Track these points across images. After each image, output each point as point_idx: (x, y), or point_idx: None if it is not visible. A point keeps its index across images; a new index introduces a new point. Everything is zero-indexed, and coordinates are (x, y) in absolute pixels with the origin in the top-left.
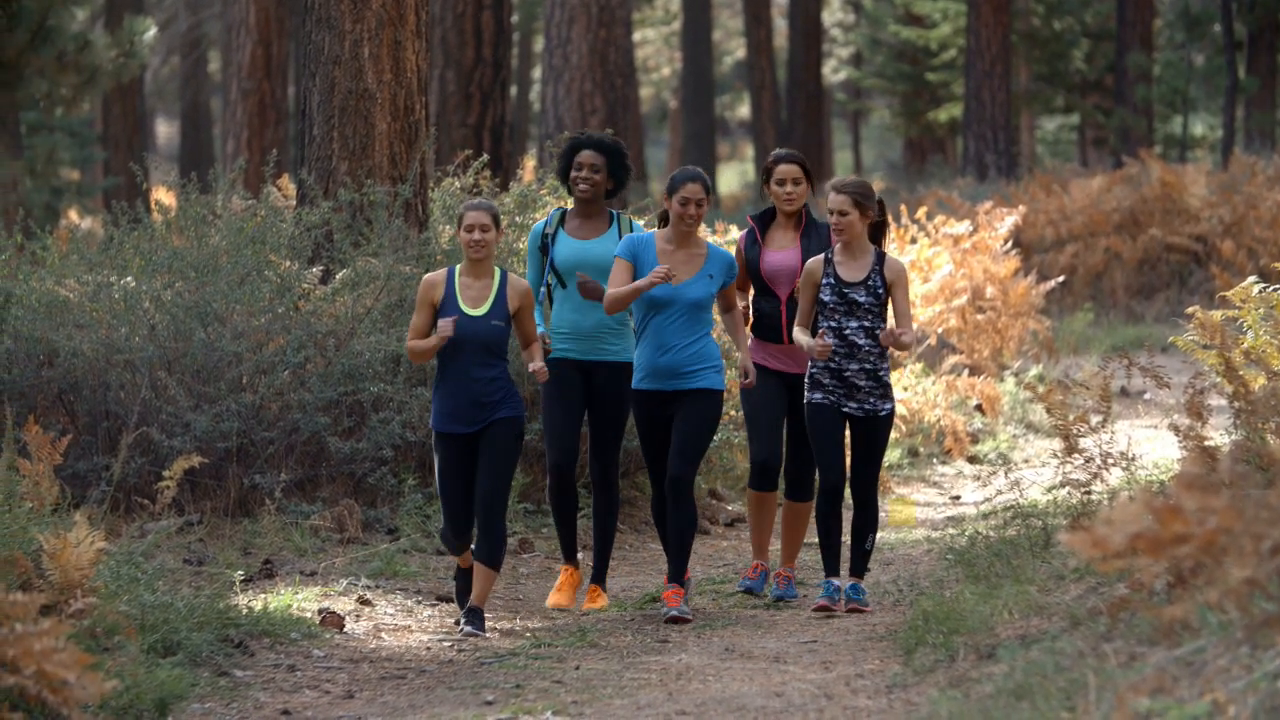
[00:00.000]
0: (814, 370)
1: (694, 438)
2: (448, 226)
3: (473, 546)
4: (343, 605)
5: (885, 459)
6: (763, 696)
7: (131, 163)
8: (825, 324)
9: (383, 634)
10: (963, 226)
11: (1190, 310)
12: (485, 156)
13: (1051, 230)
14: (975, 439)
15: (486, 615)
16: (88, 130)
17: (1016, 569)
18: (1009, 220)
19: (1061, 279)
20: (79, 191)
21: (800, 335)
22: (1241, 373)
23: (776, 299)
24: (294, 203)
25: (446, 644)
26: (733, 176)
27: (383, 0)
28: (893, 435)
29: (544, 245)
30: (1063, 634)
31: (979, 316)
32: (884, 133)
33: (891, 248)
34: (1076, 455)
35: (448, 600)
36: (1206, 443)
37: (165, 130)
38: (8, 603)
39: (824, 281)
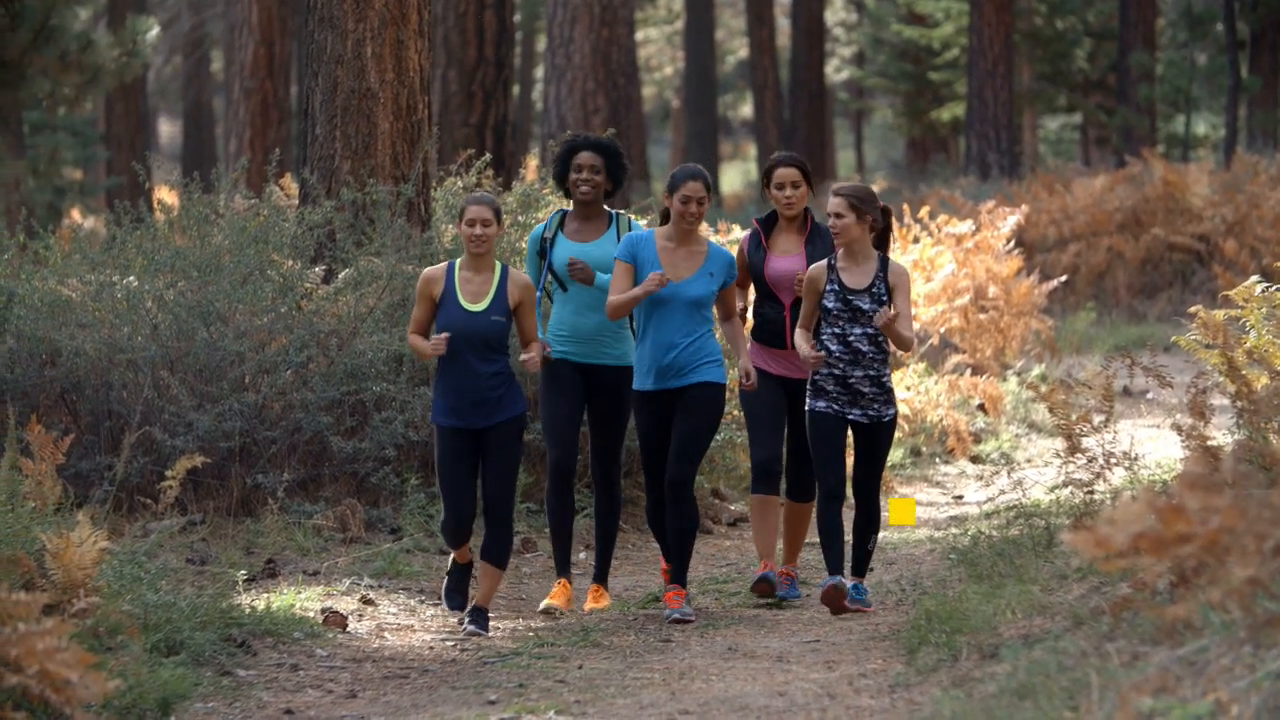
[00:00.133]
0: (818, 376)
1: (694, 437)
2: (450, 226)
3: (471, 545)
4: (345, 605)
5: (888, 459)
6: (766, 696)
7: (134, 162)
8: (829, 330)
9: (386, 633)
10: (965, 226)
11: (1193, 310)
12: (488, 156)
13: (1054, 230)
14: (978, 438)
15: (489, 615)
16: (90, 130)
17: (1019, 568)
18: (1011, 220)
19: (1064, 278)
20: (82, 191)
21: (800, 340)
22: (1244, 372)
23: (780, 304)
24: (296, 202)
25: (449, 643)
26: (735, 176)
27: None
28: (895, 435)
29: (543, 249)
30: (1066, 633)
31: (981, 316)
32: (886, 132)
33: (894, 248)
34: (1079, 455)
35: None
36: (1209, 442)
37: (168, 130)
38: (11, 602)
39: (828, 289)
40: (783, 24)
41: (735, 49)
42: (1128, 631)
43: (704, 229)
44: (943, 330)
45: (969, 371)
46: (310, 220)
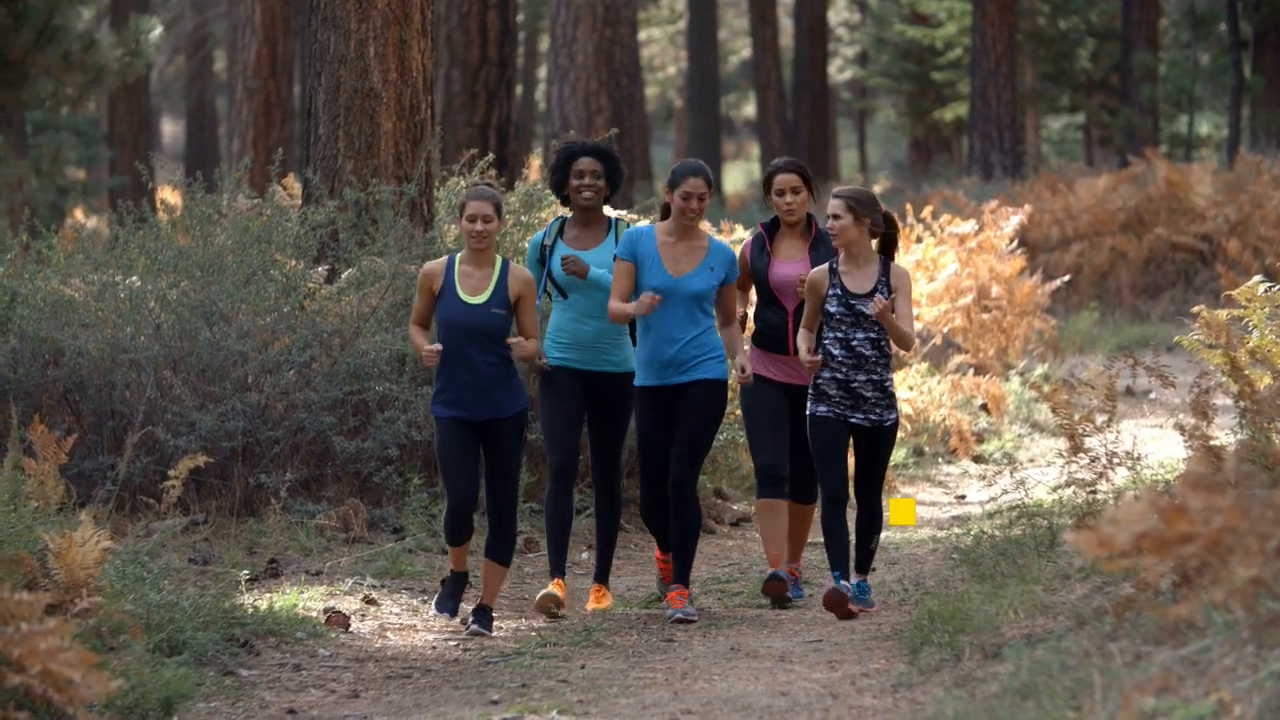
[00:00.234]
0: (820, 380)
1: (697, 436)
2: (453, 226)
3: (471, 547)
4: (348, 604)
5: (891, 459)
6: (768, 695)
7: (137, 162)
8: (831, 334)
9: (388, 633)
10: (968, 226)
11: (1195, 309)
12: (491, 156)
13: (1057, 229)
14: (980, 438)
15: (493, 615)
16: (93, 129)
17: (1022, 568)
18: (1014, 219)
19: (1067, 278)
20: (84, 191)
21: (801, 341)
22: (1247, 372)
23: (783, 310)
24: (299, 202)
25: (452, 643)
26: (738, 176)
27: None
28: (898, 434)
29: (542, 256)
30: (1068, 633)
31: (984, 316)
32: (889, 132)
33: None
34: (1082, 454)
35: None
36: (1212, 442)
37: (171, 129)
38: (13, 602)
39: (830, 293)
40: (786, 24)
41: (738, 49)
42: (1130, 631)
43: (706, 228)
44: (946, 330)
45: (972, 371)
46: (313, 220)
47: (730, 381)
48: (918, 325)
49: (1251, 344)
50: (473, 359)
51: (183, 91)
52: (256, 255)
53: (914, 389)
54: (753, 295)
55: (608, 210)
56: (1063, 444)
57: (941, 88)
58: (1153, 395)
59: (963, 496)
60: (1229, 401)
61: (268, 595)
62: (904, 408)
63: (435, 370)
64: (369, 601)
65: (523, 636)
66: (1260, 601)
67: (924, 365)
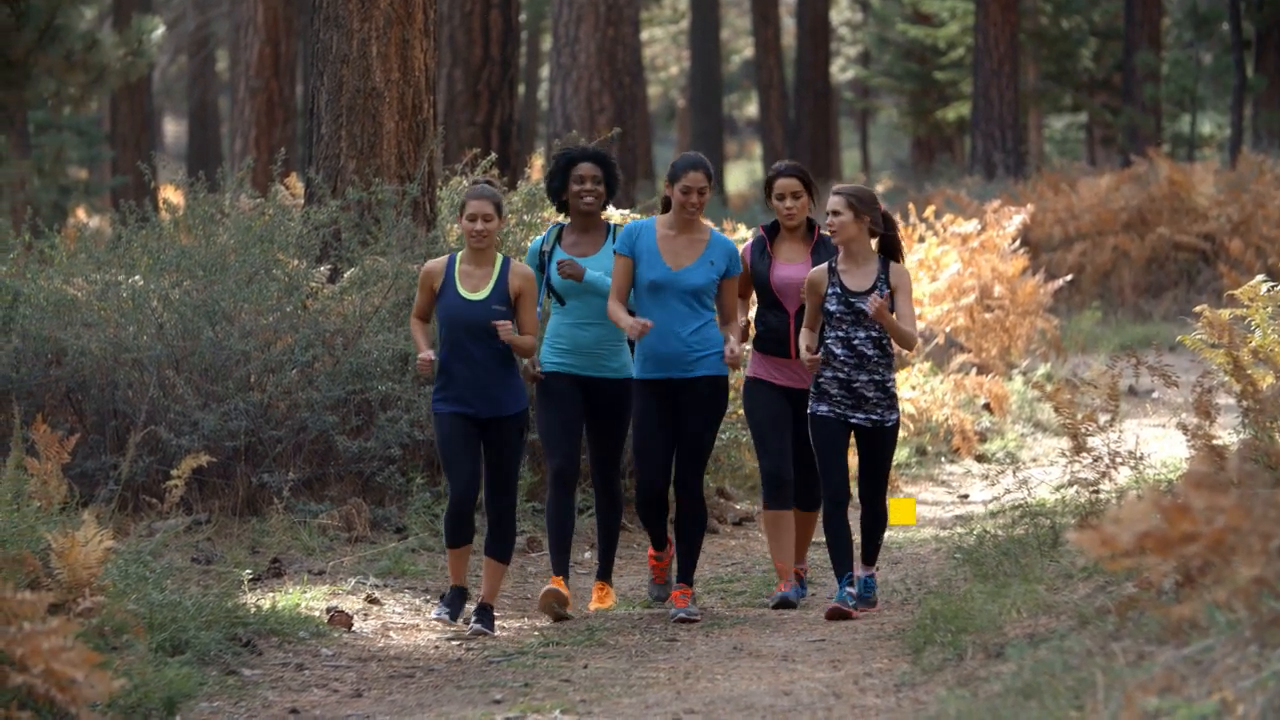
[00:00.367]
0: (821, 379)
1: (700, 436)
2: (456, 225)
3: (472, 549)
4: (351, 604)
5: (894, 458)
6: (771, 695)
7: (139, 161)
8: (833, 334)
9: (391, 633)
10: (971, 225)
11: (1198, 309)
12: (493, 155)
13: (1059, 229)
14: (983, 438)
15: (495, 614)
16: (96, 129)
17: (1025, 568)
18: (1017, 219)
19: (1069, 278)
20: (87, 190)
21: (803, 341)
22: (1249, 371)
23: (785, 313)
24: (302, 201)
25: (455, 643)
26: (741, 175)
27: None
28: (901, 434)
29: (541, 263)
30: (1071, 633)
31: (987, 315)
32: (892, 131)
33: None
34: (1084, 454)
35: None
36: (1215, 441)
37: (173, 129)
38: (16, 601)
39: (830, 292)
40: (788, 23)
41: (740, 48)
42: (1133, 631)
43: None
44: (948, 329)
45: (974, 371)
46: (315, 219)
47: (733, 381)
48: (920, 325)
49: (1254, 343)
50: (474, 355)
51: (185, 91)
52: (259, 255)
53: (916, 388)
54: (752, 299)
55: (613, 213)
56: (1065, 443)
57: (944, 87)
58: (1155, 395)
59: (965, 496)
60: (1231, 401)
61: (270, 595)
62: (907, 407)
63: (436, 368)
64: (372, 601)
65: (525, 636)
66: (1263, 601)
67: (927, 365)
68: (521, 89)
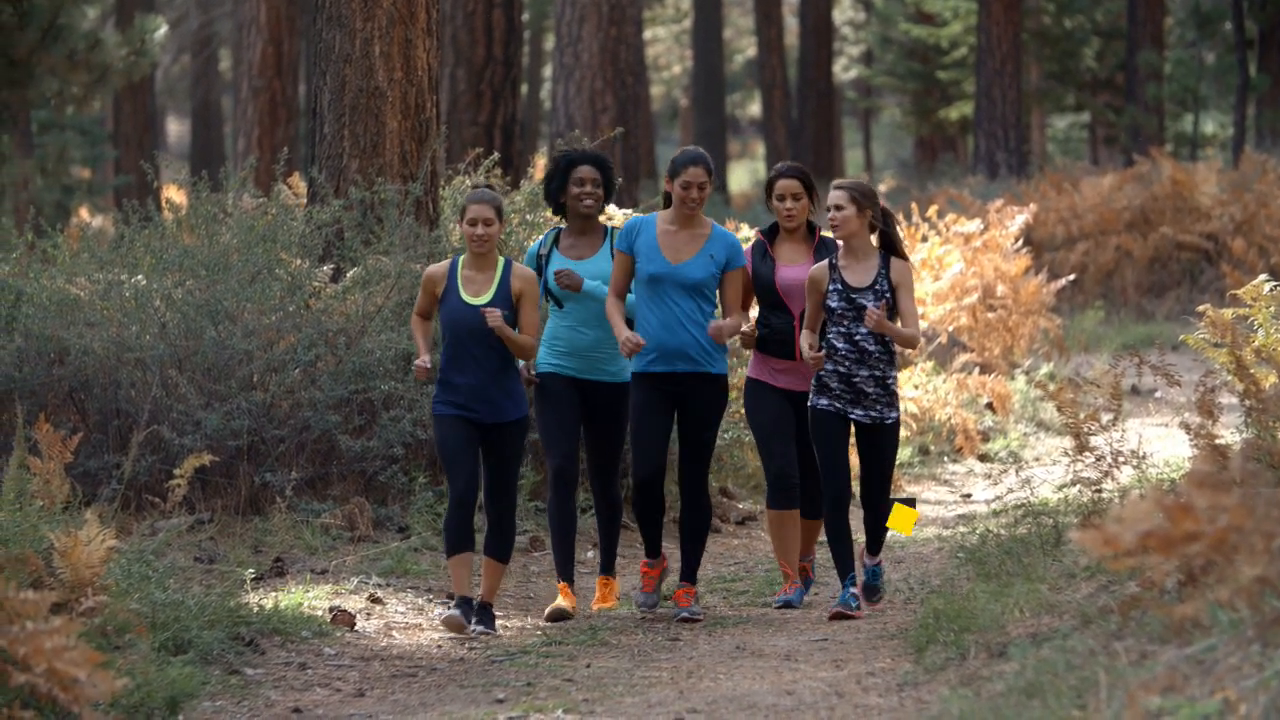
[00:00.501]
0: (822, 374)
1: (702, 434)
2: (458, 225)
3: (473, 554)
4: (354, 603)
5: (897, 457)
6: (774, 694)
7: (142, 161)
8: (834, 330)
9: (394, 632)
10: (973, 225)
11: (1201, 308)
12: (496, 155)
13: (1062, 228)
14: (986, 437)
15: (498, 614)
16: (98, 129)
17: (1027, 567)
18: (1020, 218)
19: (1072, 277)
20: (90, 190)
21: (804, 341)
22: (1252, 371)
23: (789, 315)
24: (305, 201)
25: (457, 642)
26: (743, 175)
27: None
28: (904, 434)
29: (539, 266)
30: (1074, 632)
31: (990, 315)
32: (895, 131)
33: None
34: (1087, 453)
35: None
36: (1217, 441)
37: (176, 128)
38: (19, 601)
39: (830, 288)
40: (791, 23)
41: (743, 48)
42: (1136, 630)
43: None
44: (951, 329)
45: (977, 370)
46: (318, 219)
47: (734, 380)
48: (923, 324)
49: (1257, 343)
50: (476, 360)
51: (188, 91)
52: (262, 254)
53: (919, 387)
54: (754, 305)
55: (615, 213)
56: (1068, 443)
57: (946, 87)
58: (1158, 394)
59: (968, 495)
60: (1234, 400)
61: (273, 594)
62: (909, 406)
63: (439, 370)
64: (374, 600)
65: (528, 635)
66: (1266, 600)
67: (929, 364)
68: (524, 88)
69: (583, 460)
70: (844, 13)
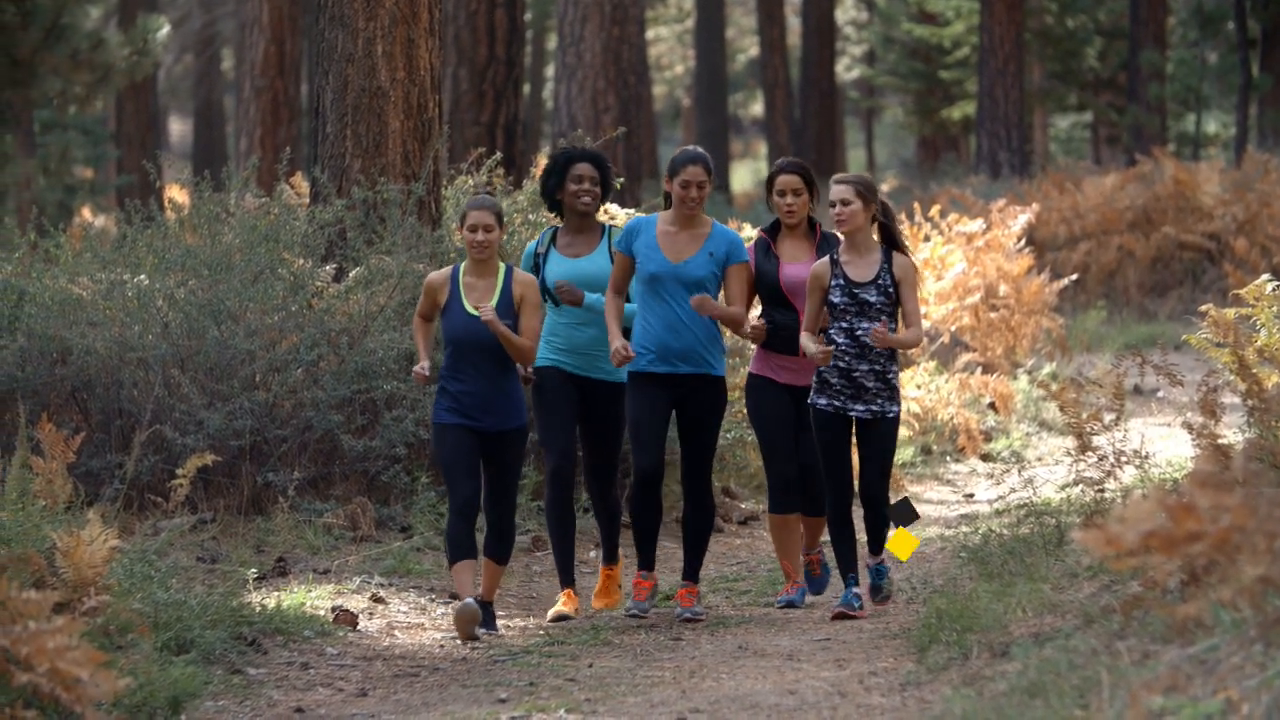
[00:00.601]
0: (822, 369)
1: (704, 435)
2: (458, 231)
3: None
4: (356, 603)
5: (899, 457)
6: (776, 694)
7: (145, 161)
8: (836, 325)
9: (396, 632)
10: (976, 224)
11: (1203, 308)
12: (498, 155)
13: (1065, 228)
14: (988, 437)
15: (500, 614)
16: (101, 128)
17: (1030, 567)
18: (1022, 218)
19: (1075, 277)
20: (92, 189)
21: (806, 341)
22: (1255, 371)
23: (793, 311)
24: (307, 200)
25: (460, 641)
26: (746, 174)
27: None
28: (906, 433)
29: (536, 265)
30: (1076, 632)
31: (992, 314)
32: (897, 130)
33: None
34: (1090, 453)
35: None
36: (1220, 441)
37: (178, 128)
38: (21, 600)
39: (833, 283)
40: (793, 23)
41: (746, 47)
42: (1138, 630)
43: None
44: (953, 328)
45: (980, 370)
46: (321, 219)
47: (736, 380)
48: (925, 324)
49: (1259, 342)
50: (480, 370)
51: (190, 90)
52: (264, 254)
53: (922, 387)
54: (756, 303)
55: (618, 213)
56: (1070, 442)
57: (949, 86)
58: (1160, 394)
59: (970, 495)
60: (1236, 400)
61: (275, 594)
62: (911, 406)
63: (440, 377)
64: (377, 600)
65: (531, 635)
66: (1268, 600)
67: (932, 364)
68: (526, 88)
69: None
70: (846, 12)
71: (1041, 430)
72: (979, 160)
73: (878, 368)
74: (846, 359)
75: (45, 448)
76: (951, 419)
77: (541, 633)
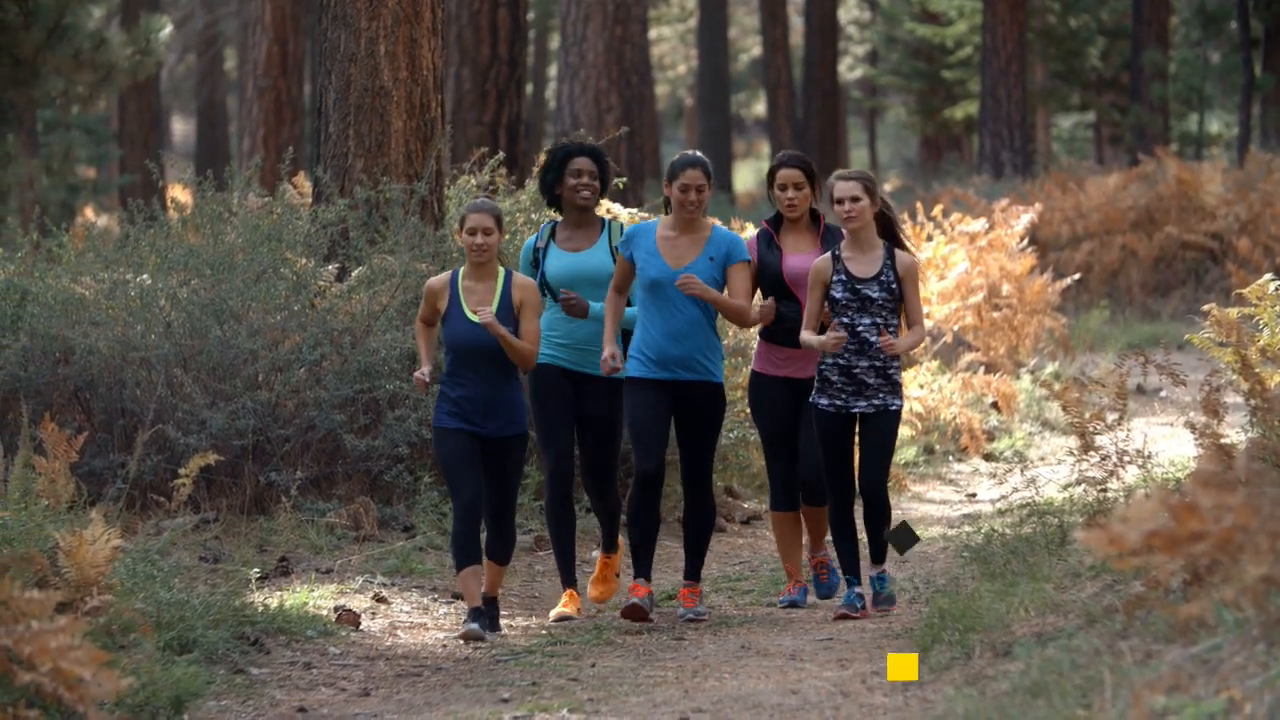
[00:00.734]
0: (823, 367)
1: (704, 441)
2: (458, 235)
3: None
4: (359, 603)
5: (901, 456)
6: (779, 694)
7: (147, 160)
8: (836, 320)
9: (399, 631)
10: (979, 224)
11: (1206, 308)
12: (501, 154)
13: (1067, 228)
14: (991, 436)
15: (503, 614)
16: (104, 128)
17: (1032, 567)
18: (1025, 218)
19: (1077, 276)
20: (95, 189)
21: (809, 336)
22: (1257, 370)
23: (796, 303)
24: (310, 200)
25: (462, 641)
26: (749, 174)
27: None
28: (909, 433)
29: (536, 260)
30: (1079, 631)
31: (995, 314)
32: (900, 130)
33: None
34: (1092, 453)
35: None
36: (1222, 440)
37: (181, 128)
38: (24, 600)
39: (835, 279)
40: (796, 22)
41: (749, 47)
42: (1141, 629)
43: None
44: (956, 328)
45: (982, 369)
46: (324, 218)
47: (740, 380)
48: (928, 324)
49: (1262, 342)
50: (480, 376)
51: (193, 90)
52: (267, 253)
53: (924, 387)
54: (757, 296)
55: (621, 212)
56: (1073, 442)
57: (952, 86)
58: (1163, 393)
59: (973, 495)
60: (1239, 400)
61: (278, 593)
62: (914, 405)
63: (440, 381)
64: (379, 600)
65: (533, 635)
66: (1271, 599)
67: (935, 363)
68: (529, 88)
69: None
70: (849, 12)
71: (1044, 430)
72: (981, 160)
73: (878, 364)
74: (846, 356)
75: (48, 447)
76: (954, 418)
77: (544, 632)
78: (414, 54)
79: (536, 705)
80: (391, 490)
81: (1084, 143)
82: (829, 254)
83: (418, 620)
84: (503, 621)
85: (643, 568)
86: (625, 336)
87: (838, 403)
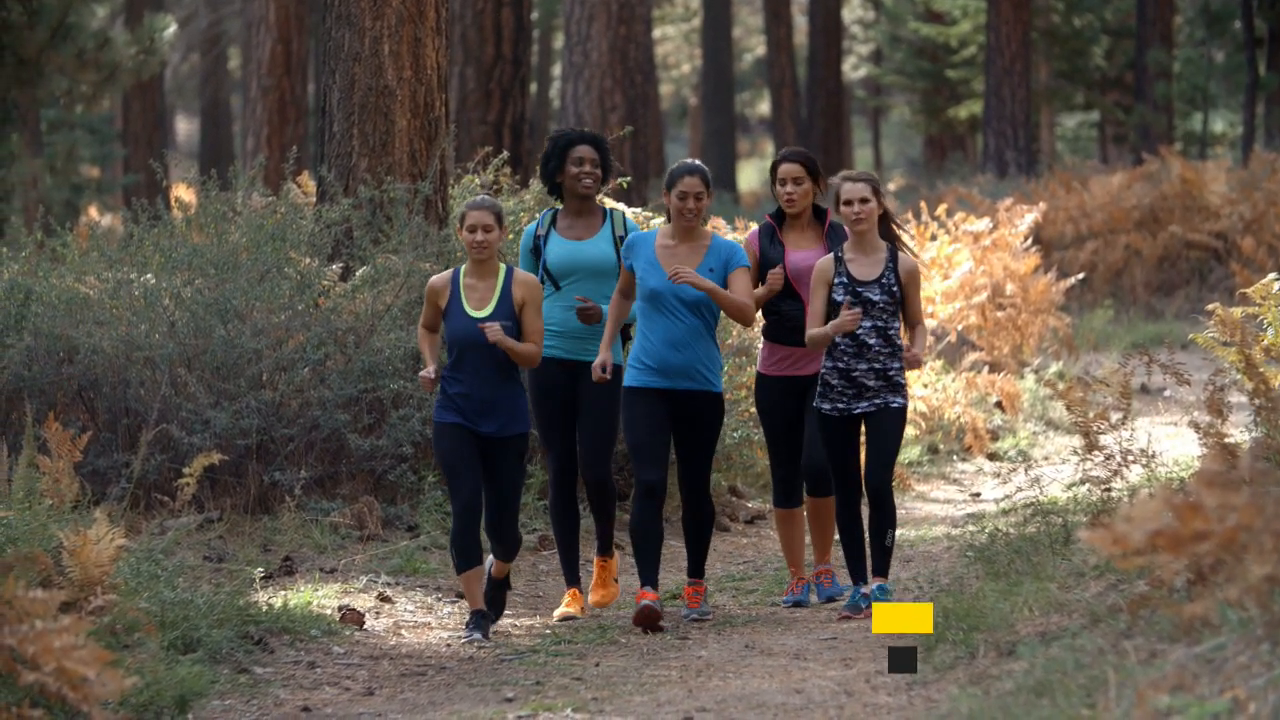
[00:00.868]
0: (824, 371)
1: (703, 451)
2: (458, 233)
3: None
4: (363, 602)
5: (905, 455)
6: (783, 693)
7: (151, 160)
8: (848, 299)
9: (403, 631)
10: (983, 223)
11: (1210, 307)
12: (505, 154)
13: (1071, 227)
14: (995, 436)
15: (507, 613)
16: (108, 127)
17: (1036, 566)
18: (1029, 217)
19: (1081, 276)
20: (99, 188)
21: (814, 331)
22: (1262, 370)
23: (799, 300)
24: (314, 200)
25: (466, 641)
26: (753, 174)
27: None
28: (913, 432)
29: (536, 247)
30: (1083, 631)
31: (999, 313)
32: (904, 130)
33: (911, 245)
34: (1096, 452)
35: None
36: (1227, 440)
37: (185, 127)
38: (28, 599)
39: (836, 281)
40: (800, 21)
41: (753, 46)
42: (1145, 629)
43: (721, 226)
44: (960, 328)
45: (986, 369)
46: (328, 218)
47: (744, 379)
48: (932, 323)
49: (1266, 341)
50: (480, 374)
51: (197, 89)
52: (271, 253)
53: (929, 386)
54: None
55: (623, 211)
56: (1077, 441)
57: (956, 85)
58: (1167, 393)
59: (977, 494)
60: (1244, 399)
61: (282, 593)
62: (919, 405)
63: (442, 378)
64: (383, 599)
65: (537, 634)
66: (1275, 599)
67: (939, 363)
68: (533, 87)
69: None
70: (853, 11)
71: (1048, 429)
72: (986, 159)
73: (877, 366)
74: (845, 359)
75: (52, 447)
76: (958, 418)
77: (548, 632)
78: (418, 53)
79: (540, 704)
80: (395, 490)
81: (1088, 142)
82: (831, 255)
83: (422, 620)
84: (506, 621)
85: (649, 577)
86: (626, 333)
87: (840, 406)
